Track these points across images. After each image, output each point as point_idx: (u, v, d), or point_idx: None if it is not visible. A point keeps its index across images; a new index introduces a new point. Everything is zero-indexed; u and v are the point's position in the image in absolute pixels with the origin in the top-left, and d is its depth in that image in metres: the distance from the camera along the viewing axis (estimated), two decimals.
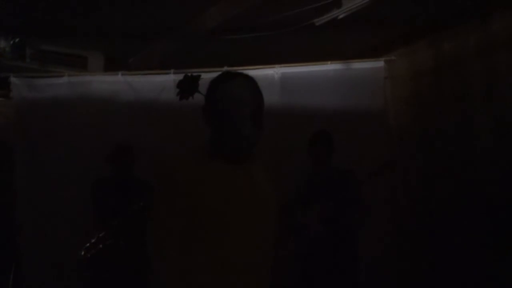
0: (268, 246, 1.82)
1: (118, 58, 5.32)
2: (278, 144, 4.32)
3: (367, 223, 3.76)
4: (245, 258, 1.72)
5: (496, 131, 3.93)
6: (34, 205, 4.53)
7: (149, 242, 1.76)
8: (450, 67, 4.38)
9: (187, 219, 1.68)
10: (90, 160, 4.41)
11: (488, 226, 3.82)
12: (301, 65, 4.66)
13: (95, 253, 3.78)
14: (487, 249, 3.82)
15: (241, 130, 1.71)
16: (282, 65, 4.65)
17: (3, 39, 4.91)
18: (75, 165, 4.50)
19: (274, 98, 4.43)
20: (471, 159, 4.11)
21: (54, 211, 4.47)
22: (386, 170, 3.73)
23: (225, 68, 3.87)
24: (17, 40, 4.93)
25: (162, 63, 4.91)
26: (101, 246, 3.78)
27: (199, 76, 2.50)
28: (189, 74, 2.54)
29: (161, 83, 4.68)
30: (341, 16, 4.13)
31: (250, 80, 1.81)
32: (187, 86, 2.45)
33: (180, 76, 2.60)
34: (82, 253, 3.76)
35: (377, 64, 4.64)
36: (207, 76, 2.11)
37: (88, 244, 3.78)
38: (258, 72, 4.21)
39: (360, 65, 4.67)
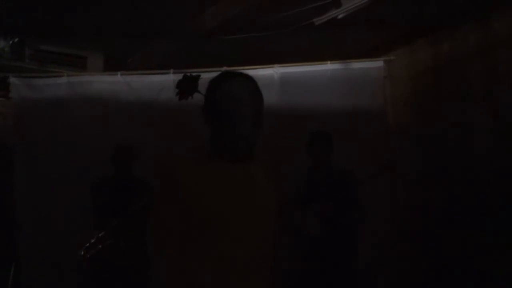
0: (268, 246, 1.82)
1: (118, 58, 5.32)
2: (278, 144, 4.31)
3: (366, 223, 3.76)
4: (245, 258, 1.72)
5: (496, 131, 3.93)
6: (34, 205, 4.53)
7: (149, 242, 1.76)
8: (450, 67, 4.38)
9: (187, 219, 1.68)
10: (89, 160, 4.42)
11: (487, 226, 3.82)
12: (301, 65, 4.66)
13: (94, 253, 3.78)
14: (486, 249, 3.82)
15: (240, 130, 1.71)
16: (282, 65, 4.64)
17: (2, 39, 4.90)
18: (75, 165, 4.50)
19: (274, 98, 4.43)
20: (471, 159, 4.11)
21: (53, 211, 4.47)
22: (386, 170, 3.73)
23: (225, 68, 3.86)
24: (16, 40, 4.92)
25: (162, 63, 4.91)
26: (100, 246, 3.78)
27: (199, 76, 2.50)
28: (189, 74, 2.54)
29: (161, 83, 4.68)
30: (340, 16, 4.13)
31: (250, 80, 1.81)
32: (186, 86, 2.45)
33: (179, 76, 2.61)
34: (82, 253, 3.76)
35: (377, 64, 4.64)
36: (207, 76, 2.12)
37: (87, 244, 3.77)
38: (257, 72, 4.21)
39: (360, 65, 4.66)
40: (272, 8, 4.05)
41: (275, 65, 4.63)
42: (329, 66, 4.63)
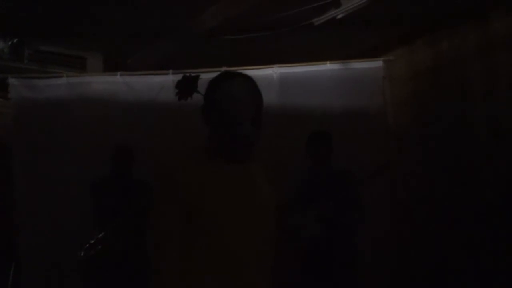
0: (267, 246, 1.82)
1: (117, 58, 5.31)
2: (277, 144, 4.31)
3: (365, 223, 3.75)
4: (245, 258, 1.72)
5: (496, 131, 3.93)
6: (33, 206, 4.52)
7: (148, 242, 1.75)
8: (449, 67, 4.38)
9: (187, 219, 1.67)
10: (89, 160, 4.41)
11: (487, 226, 3.82)
12: (300, 65, 4.65)
13: (94, 253, 3.78)
14: (487, 249, 3.82)
15: (240, 130, 1.71)
16: (281, 65, 4.64)
17: (1, 40, 4.89)
18: (74, 166, 4.50)
19: (273, 98, 4.43)
20: (471, 159, 4.11)
21: (53, 212, 4.47)
22: (386, 170, 3.73)
23: (224, 68, 3.86)
24: (15, 41, 4.92)
25: (161, 63, 4.90)
26: (100, 246, 3.78)
27: (198, 76, 2.49)
28: (188, 74, 2.53)
29: (160, 84, 4.68)
30: (339, 16, 4.14)
31: (249, 80, 1.81)
32: (186, 87, 2.44)
33: (178, 77, 2.59)
34: (82, 253, 3.77)
35: (376, 64, 4.64)
36: (206, 76, 2.11)
37: (87, 245, 3.78)
38: (256, 72, 4.21)
39: (359, 65, 4.66)
40: (271, 8, 4.05)
41: (275, 65, 4.63)
42: (328, 66, 4.63)
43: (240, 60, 4.19)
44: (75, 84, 4.76)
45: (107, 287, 3.94)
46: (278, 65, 4.63)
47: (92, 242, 3.76)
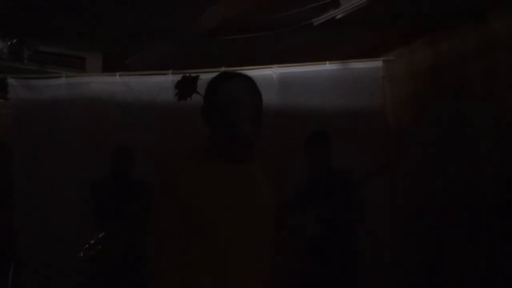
0: (267, 246, 1.82)
1: (116, 58, 5.31)
2: (277, 144, 4.31)
3: (365, 223, 3.75)
4: (245, 258, 1.72)
5: (496, 131, 3.93)
6: (33, 206, 4.52)
7: (148, 242, 1.75)
8: (449, 67, 4.38)
9: (187, 219, 1.67)
10: (88, 160, 4.41)
11: (487, 226, 3.82)
12: (299, 65, 4.65)
13: (94, 254, 3.77)
14: (487, 249, 3.82)
15: (240, 130, 1.71)
16: (280, 65, 4.64)
17: (0, 40, 4.89)
18: (74, 166, 4.50)
19: (273, 98, 4.43)
20: (471, 158, 4.11)
21: (52, 212, 4.47)
22: (386, 170, 3.73)
23: (223, 69, 3.86)
24: (14, 41, 4.91)
25: (160, 63, 4.90)
26: (100, 246, 3.77)
27: (198, 76, 2.50)
28: (187, 75, 2.53)
29: (159, 84, 4.68)
30: (339, 16, 4.13)
31: (249, 80, 1.81)
32: (185, 87, 2.45)
33: (178, 77, 2.59)
34: (82, 254, 3.76)
35: (375, 64, 4.64)
36: (206, 76, 2.11)
37: (87, 245, 3.77)
38: (256, 72, 4.20)
39: (358, 65, 4.66)
40: (271, 8, 4.05)
41: (274, 66, 4.63)
42: (327, 66, 4.63)
43: (239, 60, 4.19)
44: (74, 84, 4.76)
45: (107, 287, 3.94)
46: (277, 65, 4.63)
47: (92, 242, 3.75)
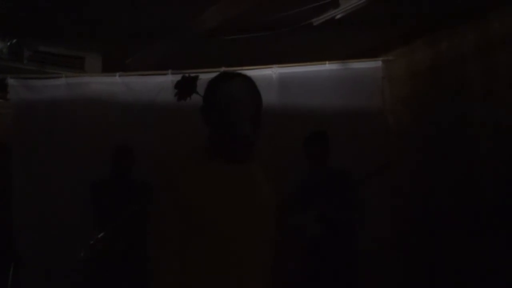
0: (267, 246, 1.82)
1: (116, 59, 5.31)
2: (277, 144, 4.31)
3: (365, 223, 3.75)
4: (245, 258, 1.72)
5: (496, 131, 3.92)
6: (33, 206, 4.52)
7: (148, 242, 1.75)
8: (449, 66, 4.38)
9: (187, 219, 1.67)
10: (88, 161, 4.42)
11: (487, 226, 3.82)
12: (299, 65, 4.66)
13: (94, 254, 3.77)
14: (487, 249, 3.82)
15: (240, 130, 1.70)
16: (280, 65, 4.64)
17: (0, 40, 4.89)
18: (74, 166, 4.50)
19: (272, 98, 4.43)
20: (470, 159, 4.11)
21: (52, 212, 4.47)
22: (386, 170, 3.73)
23: (223, 69, 3.86)
24: (14, 41, 4.91)
25: (160, 63, 4.90)
26: (100, 246, 3.77)
27: (197, 76, 2.50)
28: (187, 75, 2.53)
29: (159, 84, 4.68)
30: (338, 16, 4.13)
31: (248, 80, 1.81)
32: (185, 87, 2.45)
33: (177, 77, 2.60)
34: (82, 254, 3.76)
35: (375, 64, 4.64)
36: (205, 76, 2.11)
37: (87, 245, 3.77)
38: (256, 73, 4.20)
39: (358, 65, 4.67)
40: (271, 8, 4.04)
41: (274, 66, 4.63)
42: (327, 66, 4.64)
43: (239, 60, 4.19)
44: (74, 85, 4.76)
45: (107, 287, 3.94)
46: (277, 65, 4.63)
47: (92, 242, 3.75)
